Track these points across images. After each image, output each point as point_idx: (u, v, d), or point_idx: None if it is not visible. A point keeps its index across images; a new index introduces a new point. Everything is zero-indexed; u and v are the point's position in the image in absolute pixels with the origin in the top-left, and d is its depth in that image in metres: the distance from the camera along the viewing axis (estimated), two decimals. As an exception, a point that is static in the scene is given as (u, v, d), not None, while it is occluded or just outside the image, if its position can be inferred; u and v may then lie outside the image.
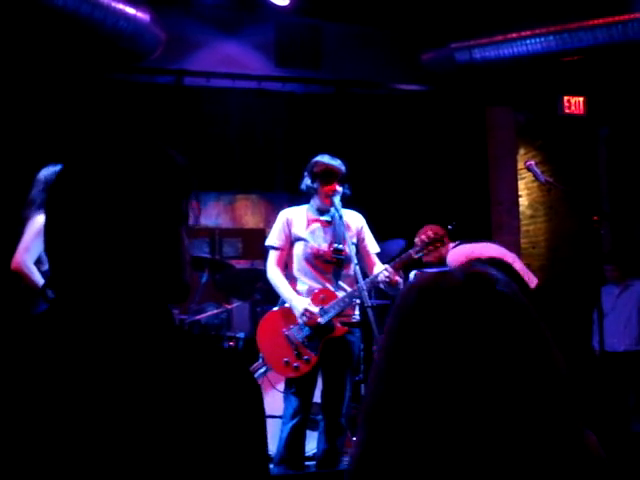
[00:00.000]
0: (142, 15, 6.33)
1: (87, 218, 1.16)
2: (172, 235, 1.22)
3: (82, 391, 1.09)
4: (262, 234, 6.71)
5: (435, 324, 1.15)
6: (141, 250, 1.17)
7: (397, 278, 4.24)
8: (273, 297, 4.69)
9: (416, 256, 4.39)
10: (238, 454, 1.13)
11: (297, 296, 4.30)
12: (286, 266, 4.45)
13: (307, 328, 4.25)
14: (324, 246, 4.37)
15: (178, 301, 1.25)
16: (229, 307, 5.83)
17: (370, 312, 3.88)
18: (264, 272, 4.56)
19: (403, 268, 4.39)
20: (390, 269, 4.21)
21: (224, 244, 7.29)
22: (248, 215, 7.74)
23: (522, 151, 8.52)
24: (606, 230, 7.66)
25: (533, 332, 1.16)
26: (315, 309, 4.22)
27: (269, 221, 7.28)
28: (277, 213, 4.63)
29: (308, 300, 4.26)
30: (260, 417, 1.20)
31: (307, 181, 4.41)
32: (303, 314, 4.21)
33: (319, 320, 4.22)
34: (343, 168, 4.39)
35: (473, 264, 1.25)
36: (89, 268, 1.16)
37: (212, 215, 7.56)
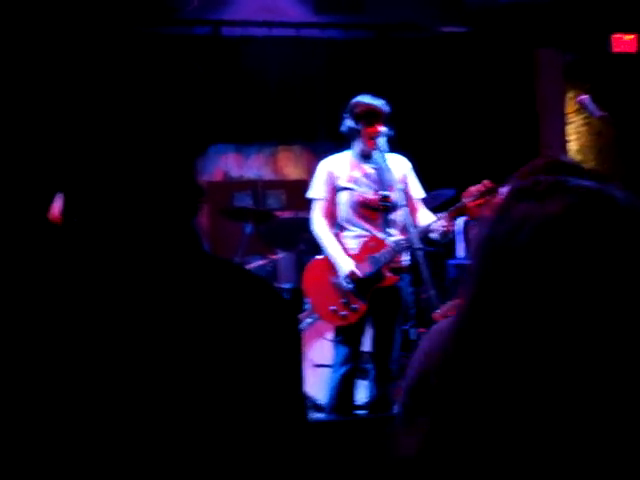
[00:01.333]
0: (177, -36, 6.21)
1: (105, 128, 1.09)
2: (185, 158, 1.14)
3: (101, 312, 1.01)
4: (305, 185, 6.54)
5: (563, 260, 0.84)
6: (154, 166, 1.09)
7: (451, 227, 4.10)
8: (319, 247, 4.60)
9: (471, 204, 4.23)
10: (270, 386, 1.04)
11: (342, 256, 4.19)
12: (332, 215, 4.35)
13: None
14: (370, 193, 4.24)
15: (183, 222, 1.14)
16: (274, 258, 5.77)
17: (420, 255, 3.76)
18: (309, 222, 4.46)
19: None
20: (445, 217, 4.05)
21: (267, 196, 7.22)
22: (290, 167, 7.62)
23: (570, 94, 8.25)
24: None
25: None
26: (359, 272, 4.10)
27: (312, 172, 7.10)
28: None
29: (352, 262, 4.15)
30: (296, 349, 1.11)
31: (348, 123, 4.26)
32: (347, 276, 4.12)
33: (368, 271, 4.11)
34: (386, 108, 4.23)
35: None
36: (104, 184, 1.07)
37: (254, 167, 7.47)
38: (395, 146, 4.34)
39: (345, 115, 4.29)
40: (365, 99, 4.24)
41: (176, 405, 0.99)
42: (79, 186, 1.09)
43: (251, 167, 7.43)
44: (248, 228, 5.42)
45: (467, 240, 5.88)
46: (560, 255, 0.84)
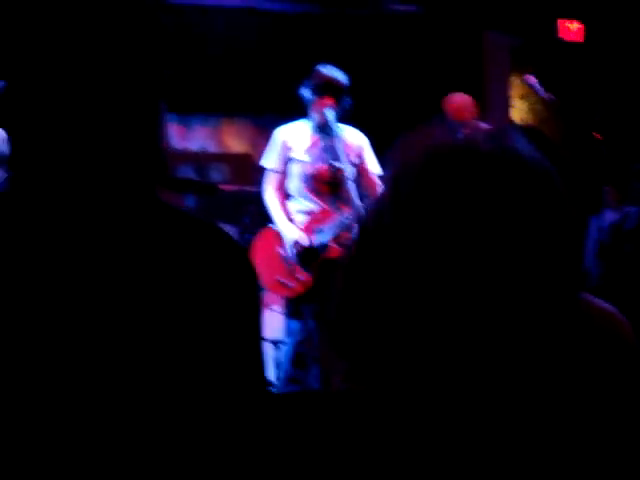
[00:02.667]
0: None
1: (54, 76, 1.00)
2: (149, 104, 1.07)
3: (58, 267, 0.96)
4: (249, 159, 6.53)
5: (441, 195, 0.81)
6: (116, 118, 1.02)
7: None
8: (264, 222, 4.52)
9: None
10: (230, 342, 1.01)
11: (289, 225, 4.14)
12: (283, 186, 4.27)
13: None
14: (322, 166, 4.17)
15: (156, 175, 1.09)
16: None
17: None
18: (254, 195, 4.39)
19: None
20: None
21: (211, 169, 7.10)
22: (235, 139, 7.52)
23: (516, 79, 8.33)
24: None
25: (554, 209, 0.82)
26: (306, 241, 4.07)
27: (256, 145, 7.10)
28: (264, 137, 4.45)
29: (299, 233, 4.10)
30: (255, 303, 1.08)
31: (305, 91, 4.18)
32: (293, 246, 4.08)
33: (313, 241, 4.07)
34: (343, 80, 4.15)
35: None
36: (57, 134, 0.99)
37: (198, 139, 7.35)
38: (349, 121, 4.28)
39: (305, 84, 4.19)
40: (324, 69, 4.15)
41: (130, 358, 0.95)
42: (33, 137, 1.02)
43: (195, 139, 7.30)
44: (190, 201, 5.30)
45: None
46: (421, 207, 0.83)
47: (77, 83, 1.00)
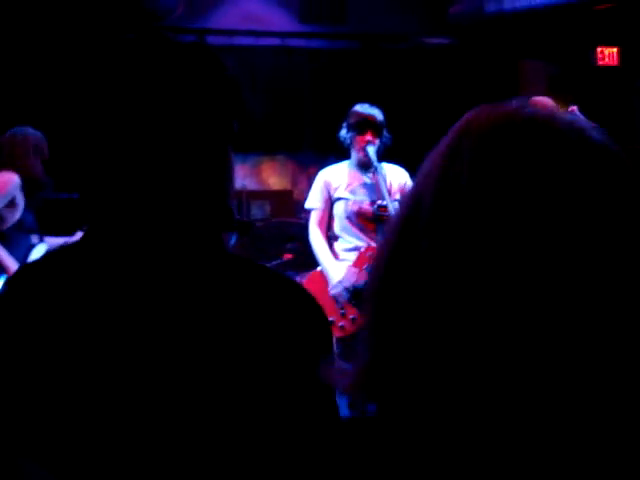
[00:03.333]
0: (162, -28, 6.18)
1: (129, 130, 1.02)
2: (220, 154, 1.10)
3: (130, 319, 0.98)
4: (290, 195, 6.59)
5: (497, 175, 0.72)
6: (186, 170, 1.04)
7: None
8: (305, 258, 4.56)
9: None
10: (301, 384, 1.01)
11: (337, 264, 4.16)
12: (328, 226, 4.31)
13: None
14: (366, 203, 4.20)
15: (221, 228, 1.12)
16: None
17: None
18: (295, 231, 4.43)
19: None
20: None
21: (252, 206, 7.17)
22: (275, 177, 7.59)
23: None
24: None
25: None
26: (355, 279, 4.07)
27: (296, 182, 7.16)
28: (304, 174, 4.51)
29: (348, 271, 4.11)
30: (326, 345, 1.09)
31: (343, 132, 4.24)
32: (342, 285, 4.09)
33: (363, 280, 4.08)
34: (380, 117, 4.19)
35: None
36: (128, 187, 1.02)
37: (238, 177, 7.43)
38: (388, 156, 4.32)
39: (343, 124, 4.26)
40: (360, 108, 4.21)
41: (207, 404, 0.97)
42: (101, 189, 1.05)
43: (236, 177, 7.38)
44: (232, 238, 5.36)
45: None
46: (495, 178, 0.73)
47: (149, 132, 1.02)
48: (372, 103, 4.95)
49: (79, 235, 3.36)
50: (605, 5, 6.92)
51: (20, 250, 4.08)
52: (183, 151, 1.03)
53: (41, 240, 4.20)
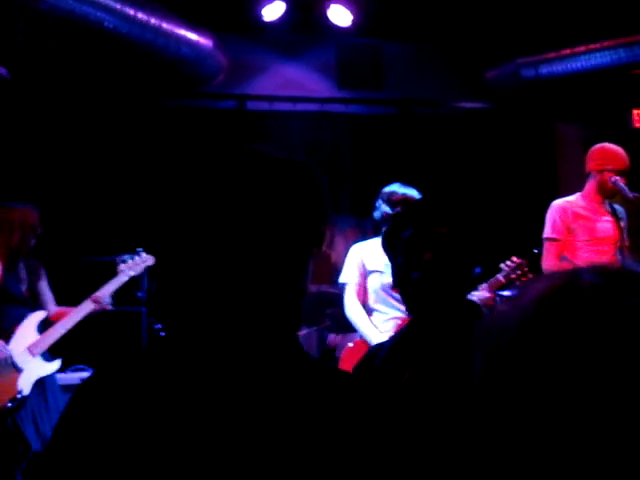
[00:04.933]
0: (205, 41, 6.33)
1: (217, 235, 1.07)
2: (303, 262, 1.14)
3: (208, 422, 1.00)
4: (328, 258, 6.61)
5: (565, 340, 0.78)
6: (272, 275, 1.08)
7: (492, 300, 4.17)
8: (344, 323, 4.58)
9: (503, 280, 4.28)
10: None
11: (376, 334, 4.18)
12: (363, 299, 4.36)
13: None
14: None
15: (290, 330, 1.15)
16: (298, 334, 5.72)
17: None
18: (333, 295, 4.47)
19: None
20: (485, 289, 4.12)
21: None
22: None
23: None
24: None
25: None
26: None
27: (334, 244, 7.19)
28: (342, 236, 4.56)
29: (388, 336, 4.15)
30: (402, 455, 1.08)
31: (385, 209, 4.30)
32: None
33: None
34: (417, 197, 4.31)
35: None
36: (212, 288, 1.07)
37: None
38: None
39: (378, 202, 4.34)
40: (400, 188, 4.33)
41: None
42: (183, 287, 1.09)
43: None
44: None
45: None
46: (540, 352, 0.81)
47: (240, 239, 1.06)
48: (411, 168, 5.01)
49: (86, 304, 3.40)
50: (641, 69, 6.97)
51: (9, 320, 4.14)
52: (272, 257, 1.08)
53: (32, 310, 4.25)
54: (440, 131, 7.20)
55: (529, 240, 5.03)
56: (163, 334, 5.77)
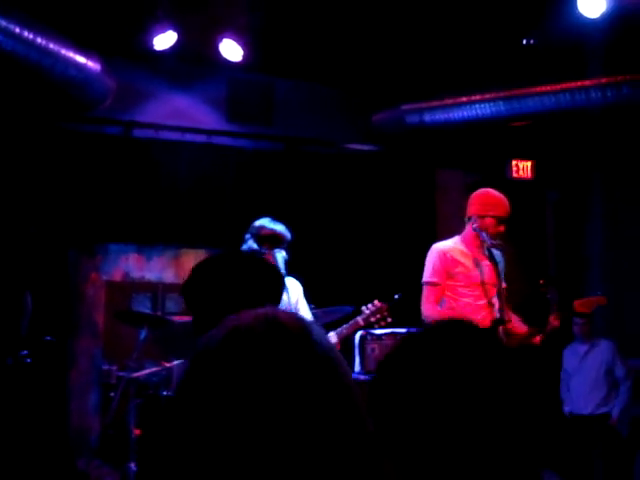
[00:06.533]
0: (92, 64, 6.27)
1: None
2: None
3: None
4: (207, 290, 6.57)
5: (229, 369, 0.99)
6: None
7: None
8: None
9: (362, 323, 4.30)
10: None
11: None
12: None
13: None
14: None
15: None
16: (168, 365, 5.66)
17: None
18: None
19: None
20: (335, 335, 4.11)
21: (167, 299, 7.15)
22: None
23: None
24: (552, 294, 7.68)
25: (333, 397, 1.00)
26: None
27: (215, 276, 7.15)
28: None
29: None
30: None
31: (251, 244, 4.33)
32: None
33: None
34: (288, 234, 4.35)
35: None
36: None
37: (156, 269, 7.41)
38: (297, 263, 4.43)
39: (247, 236, 4.36)
40: (269, 224, 4.35)
41: None
42: None
43: (153, 269, 7.36)
44: (143, 333, 5.33)
45: (362, 355, 5.94)
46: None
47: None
48: (294, 205, 5.01)
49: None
50: (521, 122, 7.28)
51: None
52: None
53: None
54: (325, 170, 7.32)
55: (406, 282, 5.13)
56: (29, 360, 5.60)
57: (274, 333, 1.02)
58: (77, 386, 6.50)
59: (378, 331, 5.78)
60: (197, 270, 2.12)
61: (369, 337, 5.81)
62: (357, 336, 5.92)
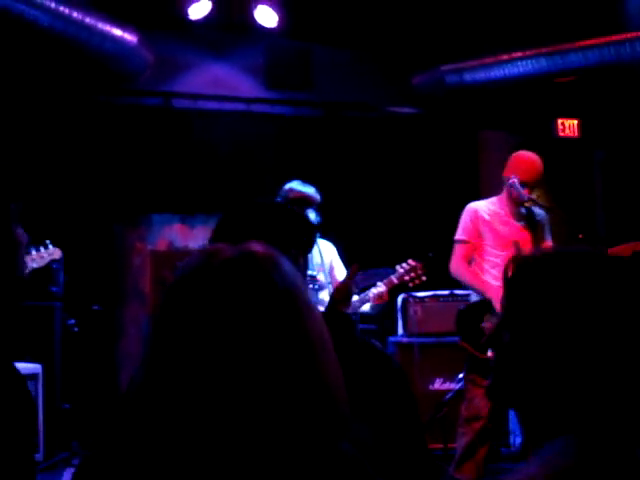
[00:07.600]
0: (129, 37, 6.30)
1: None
2: None
3: None
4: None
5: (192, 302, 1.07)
6: None
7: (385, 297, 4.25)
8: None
9: (396, 281, 4.31)
10: None
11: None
12: None
13: None
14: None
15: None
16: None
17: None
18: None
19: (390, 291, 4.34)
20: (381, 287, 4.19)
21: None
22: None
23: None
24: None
25: (289, 334, 1.05)
26: None
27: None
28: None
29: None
30: None
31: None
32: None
33: None
34: (318, 196, 4.35)
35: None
36: None
37: (199, 238, 7.45)
38: (342, 225, 4.47)
39: (277, 200, 4.38)
40: (298, 186, 4.36)
41: None
42: None
43: (197, 238, 7.42)
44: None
45: (404, 317, 5.91)
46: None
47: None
48: (335, 170, 4.98)
49: None
50: (566, 78, 7.11)
51: None
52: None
53: None
54: (365, 135, 7.27)
55: (449, 244, 5.07)
56: (77, 329, 5.73)
57: (241, 259, 1.08)
58: (126, 355, 6.61)
59: (420, 293, 5.74)
60: (226, 218, 2.11)
61: (411, 299, 5.76)
62: (399, 299, 5.90)
